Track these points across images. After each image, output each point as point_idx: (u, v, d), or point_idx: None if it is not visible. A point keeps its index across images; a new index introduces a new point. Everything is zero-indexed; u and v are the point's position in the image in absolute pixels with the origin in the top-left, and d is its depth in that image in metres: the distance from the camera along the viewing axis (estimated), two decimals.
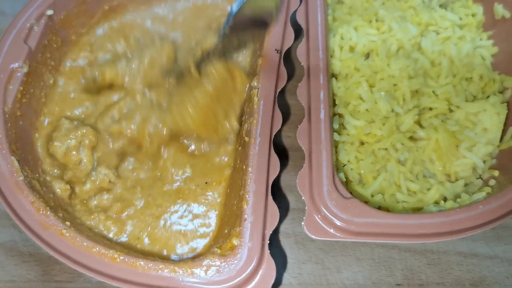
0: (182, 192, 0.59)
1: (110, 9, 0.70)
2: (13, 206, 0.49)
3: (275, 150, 0.54)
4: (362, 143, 0.62)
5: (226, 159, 0.61)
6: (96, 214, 0.56)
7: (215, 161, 0.61)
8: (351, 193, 0.59)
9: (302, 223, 0.50)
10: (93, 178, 0.58)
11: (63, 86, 0.65)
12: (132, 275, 0.46)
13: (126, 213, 0.57)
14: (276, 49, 0.59)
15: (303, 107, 0.58)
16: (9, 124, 0.54)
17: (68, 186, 0.57)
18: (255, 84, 0.58)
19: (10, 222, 0.60)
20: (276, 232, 0.61)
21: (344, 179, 0.58)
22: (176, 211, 0.58)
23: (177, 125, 0.59)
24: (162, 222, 0.57)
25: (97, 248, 0.46)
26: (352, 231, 0.49)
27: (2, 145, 0.52)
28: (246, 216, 0.49)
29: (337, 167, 0.60)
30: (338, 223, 0.49)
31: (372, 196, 0.58)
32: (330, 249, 0.60)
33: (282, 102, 0.70)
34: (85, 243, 0.47)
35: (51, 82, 0.64)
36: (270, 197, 0.51)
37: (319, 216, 0.50)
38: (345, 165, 0.61)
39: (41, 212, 0.48)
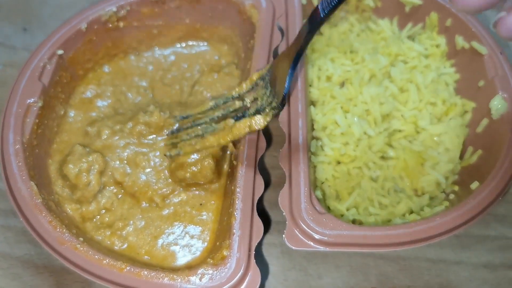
0: (178, 214, 0.65)
1: (113, 45, 0.77)
2: (34, 225, 0.56)
3: (261, 169, 0.61)
4: (338, 163, 0.70)
5: (217, 185, 0.68)
6: (102, 230, 0.63)
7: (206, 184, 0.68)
8: (328, 207, 0.66)
9: (283, 235, 0.58)
10: (98, 199, 0.65)
11: (73, 117, 0.73)
12: (137, 283, 0.52)
13: (126, 231, 0.64)
14: None
15: None
16: (27, 153, 0.61)
17: (78, 206, 0.64)
18: None
19: (25, 238, 0.66)
20: (263, 243, 0.67)
21: (321, 196, 0.66)
22: (173, 233, 0.64)
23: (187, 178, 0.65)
24: (160, 241, 0.63)
25: (107, 260, 0.54)
26: (327, 242, 0.57)
27: (22, 172, 0.59)
28: (234, 230, 0.56)
29: (316, 185, 0.68)
30: (314, 235, 0.56)
31: (347, 210, 0.66)
32: (312, 257, 0.66)
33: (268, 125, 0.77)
34: (96, 256, 0.54)
35: (62, 113, 0.72)
36: (255, 214, 0.58)
37: (298, 229, 0.58)
38: (323, 182, 0.68)
39: (57, 230, 0.55)
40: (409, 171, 0.67)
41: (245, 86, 0.64)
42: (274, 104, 0.58)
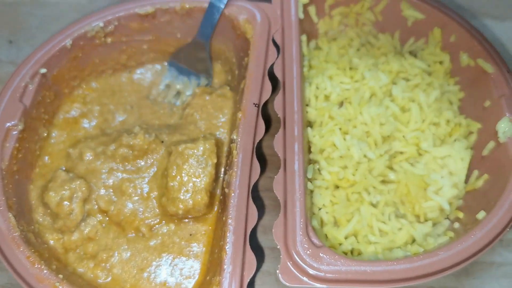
0: (166, 245, 0.62)
1: (101, 62, 0.74)
2: (10, 260, 0.52)
3: (255, 192, 0.58)
4: (336, 188, 0.66)
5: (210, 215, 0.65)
6: (85, 261, 0.60)
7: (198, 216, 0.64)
8: (326, 235, 0.63)
9: (277, 270, 0.54)
10: (81, 228, 0.61)
11: (56, 137, 0.69)
12: None
13: (110, 263, 0.60)
14: (254, 103, 0.64)
15: None
16: (5, 181, 0.58)
17: (60, 235, 0.61)
18: (235, 137, 0.62)
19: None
20: (258, 271, 0.64)
21: (318, 226, 0.62)
22: (160, 265, 0.61)
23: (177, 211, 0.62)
24: (146, 274, 0.60)
25: None
26: (324, 279, 0.53)
27: (0, 202, 0.56)
28: (225, 266, 0.53)
29: (312, 211, 0.64)
30: (310, 271, 0.53)
31: (346, 238, 0.62)
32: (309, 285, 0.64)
33: (262, 144, 0.74)
34: None
35: (45, 135, 0.68)
36: (248, 247, 0.55)
37: (292, 264, 0.54)
38: (321, 208, 0.65)
39: (36, 266, 0.52)
40: (411, 196, 0.64)
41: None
42: (203, 82, 0.78)
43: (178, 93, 0.77)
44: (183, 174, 0.61)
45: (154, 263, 0.61)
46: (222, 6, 0.72)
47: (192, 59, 0.76)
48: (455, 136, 0.68)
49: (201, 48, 0.75)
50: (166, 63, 0.78)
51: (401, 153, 0.67)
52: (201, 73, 0.77)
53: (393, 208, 0.64)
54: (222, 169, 0.66)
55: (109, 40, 0.72)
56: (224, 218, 0.57)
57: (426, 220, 0.64)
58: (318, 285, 0.53)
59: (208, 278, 0.56)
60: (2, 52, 0.85)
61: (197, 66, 0.77)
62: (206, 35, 0.74)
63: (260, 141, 0.64)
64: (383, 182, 0.66)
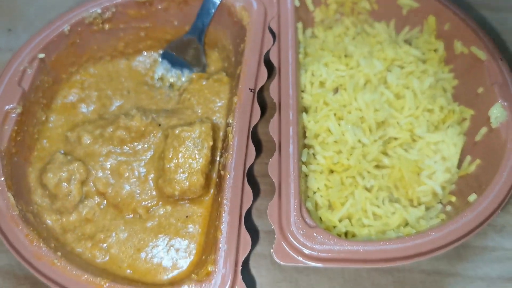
0: (163, 226, 0.63)
1: (99, 48, 0.75)
2: (9, 238, 0.54)
3: (251, 177, 0.58)
4: (331, 172, 0.67)
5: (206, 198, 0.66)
6: (83, 242, 0.61)
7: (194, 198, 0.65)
8: (320, 219, 0.64)
9: (272, 250, 0.55)
10: (79, 209, 0.62)
11: (54, 122, 0.70)
12: None
13: (108, 243, 0.61)
14: (250, 88, 0.65)
15: None
16: (5, 162, 0.59)
17: (58, 216, 0.62)
18: (230, 121, 0.63)
19: (5, 247, 0.64)
20: (252, 253, 0.65)
21: (312, 208, 0.63)
22: (157, 245, 0.62)
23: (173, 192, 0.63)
24: (143, 254, 0.61)
25: (86, 276, 0.51)
26: (317, 258, 0.54)
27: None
28: (220, 245, 0.54)
29: (307, 195, 0.65)
30: (304, 250, 0.54)
31: (340, 221, 0.63)
32: (304, 269, 0.64)
33: (258, 130, 0.75)
34: (74, 272, 0.52)
35: (43, 119, 0.69)
36: (243, 227, 0.56)
37: (287, 244, 0.55)
38: (315, 192, 0.66)
39: (34, 244, 0.53)
40: (405, 180, 0.65)
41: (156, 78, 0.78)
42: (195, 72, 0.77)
43: (171, 85, 0.77)
44: (179, 156, 0.61)
45: (151, 243, 0.62)
46: (218, 1, 0.73)
47: (185, 52, 0.77)
48: (448, 123, 0.69)
49: (195, 42, 0.76)
50: (159, 57, 0.79)
51: (395, 138, 0.68)
52: (195, 66, 0.78)
53: (386, 192, 0.65)
54: (218, 153, 0.67)
55: (106, 26, 0.73)
56: (219, 199, 0.58)
57: (419, 204, 0.66)
58: (312, 263, 0.54)
59: (203, 257, 0.57)
60: (1, 40, 0.86)
61: (191, 58, 0.78)
62: (200, 30, 0.75)
63: (256, 127, 0.65)
64: (377, 167, 0.67)
